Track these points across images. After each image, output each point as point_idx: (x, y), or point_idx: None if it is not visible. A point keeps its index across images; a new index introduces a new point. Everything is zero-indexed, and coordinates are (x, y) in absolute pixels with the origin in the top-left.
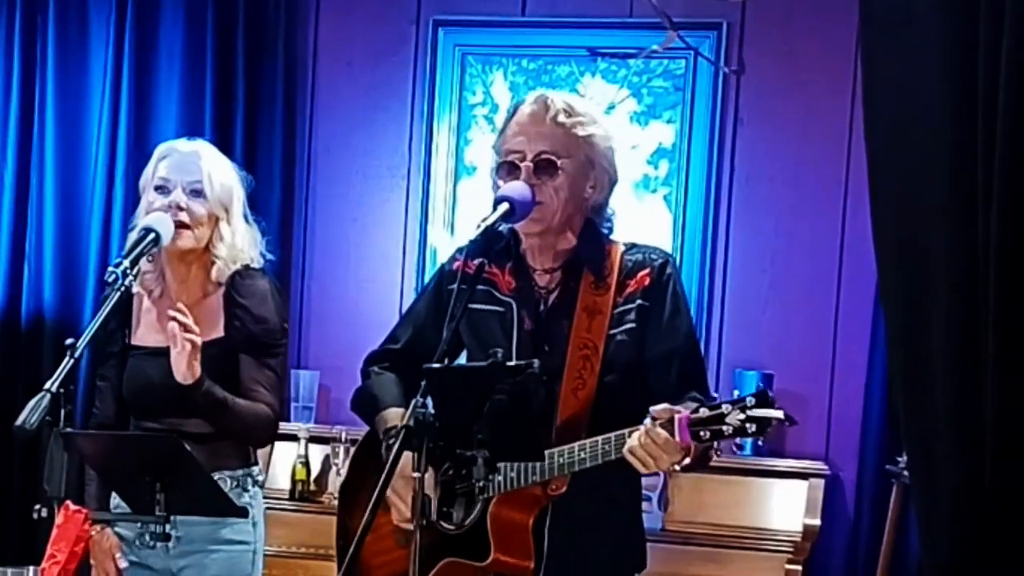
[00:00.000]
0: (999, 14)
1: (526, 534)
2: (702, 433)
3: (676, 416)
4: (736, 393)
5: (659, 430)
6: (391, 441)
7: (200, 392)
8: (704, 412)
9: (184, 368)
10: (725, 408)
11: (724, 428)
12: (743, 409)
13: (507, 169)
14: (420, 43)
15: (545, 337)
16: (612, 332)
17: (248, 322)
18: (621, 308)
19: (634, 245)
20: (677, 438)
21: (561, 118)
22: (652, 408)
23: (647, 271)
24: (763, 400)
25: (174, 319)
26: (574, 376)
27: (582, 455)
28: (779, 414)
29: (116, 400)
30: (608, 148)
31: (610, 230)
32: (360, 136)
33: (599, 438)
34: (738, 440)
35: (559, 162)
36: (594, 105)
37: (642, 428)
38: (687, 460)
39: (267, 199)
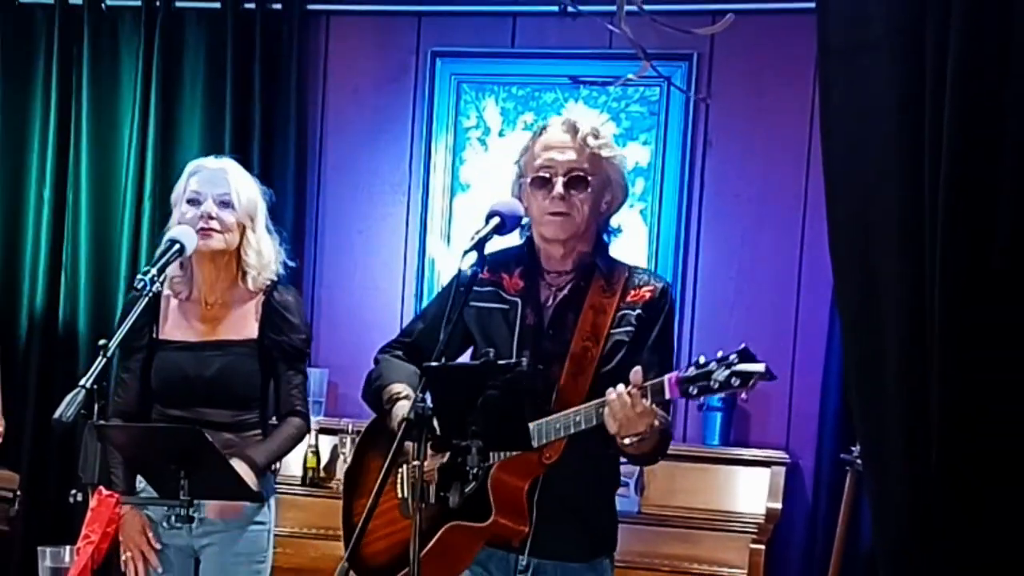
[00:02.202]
0: (944, 43)
1: (521, 499)
2: (691, 389)
3: (666, 376)
4: (720, 353)
5: (627, 398)
6: (390, 406)
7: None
8: (692, 371)
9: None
10: (712, 366)
11: (711, 384)
12: (728, 366)
13: (540, 183)
14: (419, 72)
15: (550, 326)
16: (612, 331)
17: (289, 333)
18: (623, 312)
19: (638, 267)
20: (667, 395)
21: (590, 140)
22: (633, 375)
23: (651, 288)
24: (746, 356)
25: None
26: (575, 363)
27: (576, 418)
28: (761, 367)
29: (139, 391)
30: (624, 168)
31: (608, 241)
32: (365, 156)
33: (594, 402)
34: (724, 394)
35: (590, 179)
36: (609, 127)
37: (615, 393)
38: (644, 435)
39: (281, 214)
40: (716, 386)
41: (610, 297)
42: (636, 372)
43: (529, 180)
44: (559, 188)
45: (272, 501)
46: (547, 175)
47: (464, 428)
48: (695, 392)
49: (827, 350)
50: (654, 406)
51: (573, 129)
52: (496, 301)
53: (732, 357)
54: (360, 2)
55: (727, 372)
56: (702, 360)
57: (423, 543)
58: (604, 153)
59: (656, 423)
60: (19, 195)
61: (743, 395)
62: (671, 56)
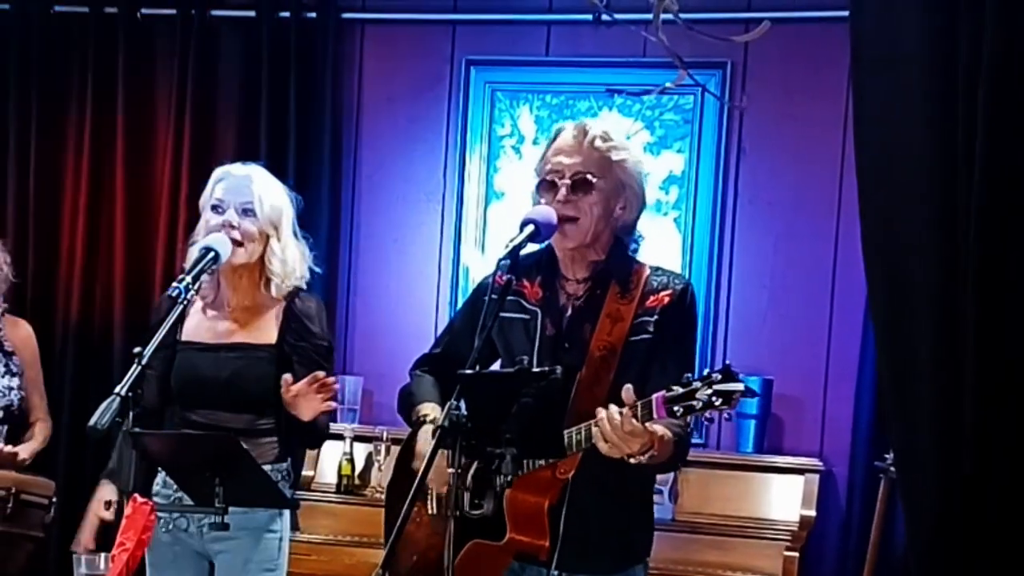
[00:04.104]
0: (977, 55)
1: (541, 516)
2: (676, 409)
3: (654, 396)
4: (706, 371)
5: (617, 418)
6: (416, 429)
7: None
8: (677, 390)
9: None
10: (695, 385)
11: (695, 403)
12: (710, 384)
13: (547, 186)
14: (454, 80)
15: (567, 337)
16: (631, 339)
17: (309, 339)
18: (641, 318)
19: (659, 268)
20: (655, 415)
21: (598, 143)
22: (624, 394)
23: (669, 291)
24: (728, 375)
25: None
26: (592, 373)
27: (578, 437)
28: (740, 386)
29: (159, 389)
30: (638, 173)
31: (635, 250)
32: (400, 165)
33: (572, 429)
34: (708, 414)
35: (594, 181)
36: (641, 136)
37: (604, 414)
38: (653, 452)
39: (316, 222)
40: (699, 405)
41: (628, 303)
42: (627, 390)
43: (538, 183)
44: (563, 191)
45: (285, 511)
46: (554, 179)
47: (498, 436)
48: (680, 412)
49: (861, 357)
50: (663, 420)
51: (583, 132)
52: (517, 311)
53: (715, 376)
54: (395, 11)
55: (709, 391)
56: (689, 380)
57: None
58: (614, 156)
59: (668, 435)
60: (55, 203)
61: (727, 413)
62: (705, 64)
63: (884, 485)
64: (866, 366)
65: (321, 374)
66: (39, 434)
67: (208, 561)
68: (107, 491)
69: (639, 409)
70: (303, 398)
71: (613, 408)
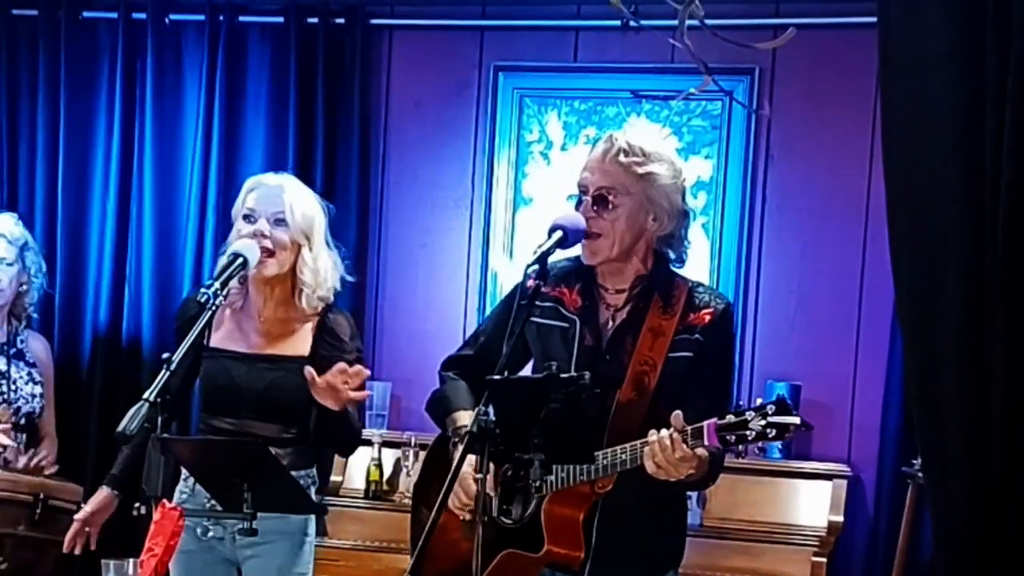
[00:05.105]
0: (1005, 57)
1: (577, 528)
2: (728, 437)
3: (705, 423)
4: (759, 401)
5: (668, 443)
6: (456, 440)
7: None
8: (730, 419)
9: (336, 405)
10: (748, 415)
11: (748, 433)
12: (764, 416)
13: (577, 201)
14: (482, 86)
15: (608, 350)
16: (671, 355)
17: (340, 349)
18: (681, 336)
19: (700, 284)
20: (706, 441)
21: (621, 158)
22: (674, 419)
23: (711, 310)
24: (782, 408)
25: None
26: (631, 388)
27: (623, 456)
28: (796, 420)
29: (178, 392)
30: (671, 185)
31: (682, 260)
32: (428, 170)
33: (638, 442)
34: (761, 444)
35: (611, 198)
36: (664, 145)
37: (656, 438)
38: (691, 470)
39: (344, 228)
40: (752, 436)
41: (669, 318)
42: (676, 416)
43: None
44: (584, 208)
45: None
46: (579, 195)
47: (527, 441)
48: (732, 439)
49: (889, 363)
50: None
51: (608, 145)
52: (556, 318)
53: (769, 407)
54: (423, 16)
55: (763, 422)
56: (741, 408)
57: (483, 565)
58: (639, 171)
59: (704, 454)
60: (83, 209)
61: (779, 446)
62: (733, 70)
63: (912, 491)
64: (894, 371)
65: (344, 365)
66: (50, 452)
67: (236, 568)
68: (102, 495)
69: (689, 435)
70: (330, 389)
71: (665, 433)
